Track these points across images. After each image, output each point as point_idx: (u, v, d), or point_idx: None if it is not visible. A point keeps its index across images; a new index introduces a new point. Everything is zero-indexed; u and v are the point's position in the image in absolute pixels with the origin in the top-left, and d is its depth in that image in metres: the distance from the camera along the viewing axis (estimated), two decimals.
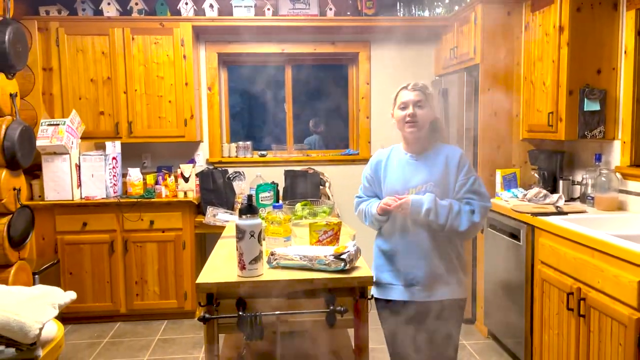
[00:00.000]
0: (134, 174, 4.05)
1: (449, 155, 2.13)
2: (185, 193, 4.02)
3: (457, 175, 2.10)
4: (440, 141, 2.21)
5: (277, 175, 4.31)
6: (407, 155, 2.19)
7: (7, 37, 2.71)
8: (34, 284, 3.32)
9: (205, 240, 4.40)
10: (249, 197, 1.88)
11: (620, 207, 3.02)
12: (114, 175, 4.02)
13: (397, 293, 2.12)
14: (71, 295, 1.49)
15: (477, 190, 2.10)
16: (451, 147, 2.19)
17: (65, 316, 3.86)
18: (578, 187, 3.38)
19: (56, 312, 1.41)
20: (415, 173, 2.13)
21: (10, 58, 2.75)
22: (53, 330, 1.50)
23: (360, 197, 2.32)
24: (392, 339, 2.18)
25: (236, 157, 4.58)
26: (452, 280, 2.11)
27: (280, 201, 4.16)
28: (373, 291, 2.17)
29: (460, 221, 2.04)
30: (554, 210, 3.00)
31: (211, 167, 4.39)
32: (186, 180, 4.02)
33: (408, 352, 2.12)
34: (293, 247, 2.03)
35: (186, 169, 4.03)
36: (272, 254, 1.95)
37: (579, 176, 3.41)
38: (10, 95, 2.82)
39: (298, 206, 2.69)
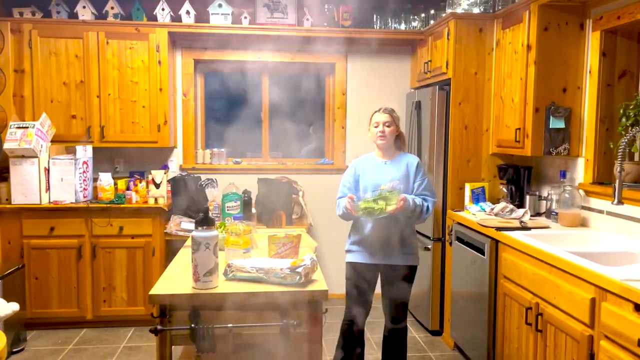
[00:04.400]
0: (105, 178, 4.01)
1: (409, 161, 2.89)
2: (155, 199, 3.99)
3: (415, 176, 2.84)
4: (403, 150, 2.97)
5: (251, 183, 4.30)
6: (380, 160, 2.92)
7: None
8: None
9: (176, 248, 4.36)
10: (206, 209, 1.88)
11: (583, 223, 3.07)
12: (84, 180, 3.98)
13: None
14: (13, 307, 1.47)
15: (430, 189, 2.87)
16: (411, 156, 2.94)
17: (30, 322, 3.83)
18: (544, 202, 3.44)
19: None
20: (387, 173, 2.85)
21: None
22: None
23: (340, 197, 2.92)
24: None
25: (210, 163, 4.57)
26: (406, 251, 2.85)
27: (253, 209, 4.16)
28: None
29: (422, 212, 2.77)
30: (518, 225, 3.04)
31: (184, 173, 4.37)
32: (157, 186, 3.99)
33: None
34: (250, 259, 2.04)
35: (157, 175, 4.01)
36: (229, 265, 1.95)
37: (545, 191, 3.46)
38: None
39: None
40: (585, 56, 3.11)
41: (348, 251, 2.92)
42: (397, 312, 2.91)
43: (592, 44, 3.03)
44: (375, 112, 2.90)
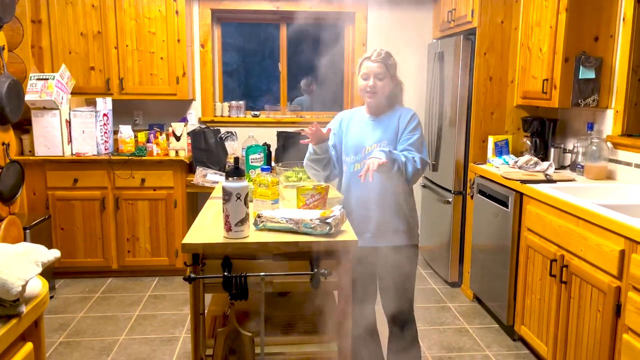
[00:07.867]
0: (125, 131, 4.02)
1: (402, 115, 2.28)
2: (176, 152, 4.00)
3: (404, 129, 2.24)
4: (398, 104, 2.35)
5: (269, 136, 4.29)
6: (367, 116, 2.35)
7: None
8: (25, 238, 3.34)
9: (197, 200, 4.42)
10: (236, 159, 1.88)
11: (609, 176, 3.04)
12: (105, 132, 3.99)
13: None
14: (55, 253, 1.51)
15: (418, 147, 2.23)
16: (405, 109, 2.32)
17: (58, 271, 3.93)
18: (569, 155, 3.39)
19: (39, 269, 1.43)
20: (373, 132, 2.29)
21: None
22: (37, 287, 1.52)
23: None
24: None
25: (229, 116, 4.54)
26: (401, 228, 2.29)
27: (273, 162, 4.17)
28: None
29: (407, 167, 2.13)
30: (543, 178, 3.01)
31: (203, 126, 4.36)
32: (178, 139, 3.99)
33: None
34: (280, 210, 2.04)
35: (178, 127, 4.00)
36: (259, 216, 1.96)
37: (570, 144, 3.41)
38: None
39: (290, 171, 2.69)
40: (619, 3, 2.98)
41: None
42: (401, 305, 2.33)
43: None
44: (365, 57, 2.26)
